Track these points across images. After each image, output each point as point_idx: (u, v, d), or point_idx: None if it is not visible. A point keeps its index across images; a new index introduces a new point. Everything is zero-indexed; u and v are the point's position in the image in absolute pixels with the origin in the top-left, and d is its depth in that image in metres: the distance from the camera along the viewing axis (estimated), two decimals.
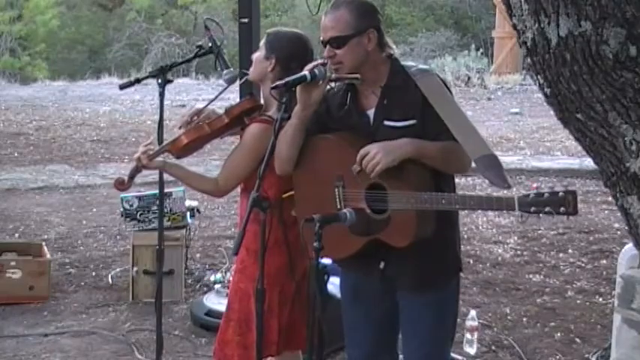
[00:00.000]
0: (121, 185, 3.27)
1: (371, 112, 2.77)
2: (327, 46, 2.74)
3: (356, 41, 2.71)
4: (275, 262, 3.10)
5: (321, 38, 2.76)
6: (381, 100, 2.74)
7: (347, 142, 2.74)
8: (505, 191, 2.56)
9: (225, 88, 3.24)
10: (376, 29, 2.74)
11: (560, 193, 2.27)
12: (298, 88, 2.72)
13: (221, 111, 3.15)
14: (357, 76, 2.73)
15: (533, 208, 2.31)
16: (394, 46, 2.77)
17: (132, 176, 3.25)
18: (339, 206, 2.75)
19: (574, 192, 2.27)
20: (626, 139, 1.94)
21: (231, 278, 5.07)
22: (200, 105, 3.27)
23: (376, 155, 2.58)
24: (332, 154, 2.78)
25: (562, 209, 2.27)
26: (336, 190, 2.76)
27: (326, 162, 2.80)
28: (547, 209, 2.29)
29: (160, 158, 3.18)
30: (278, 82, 2.76)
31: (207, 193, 3.34)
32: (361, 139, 2.71)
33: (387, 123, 2.71)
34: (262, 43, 3.15)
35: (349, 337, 3.04)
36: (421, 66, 2.78)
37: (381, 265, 2.80)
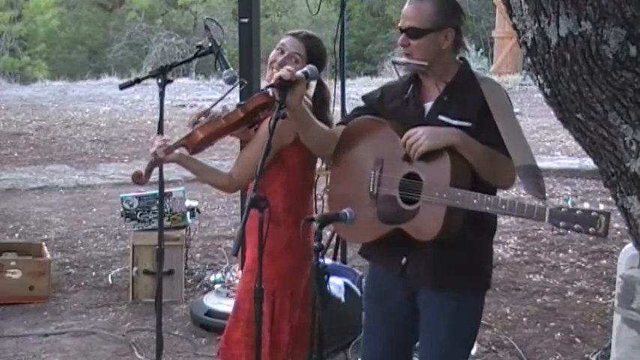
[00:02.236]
0: (138, 178, 3.29)
1: (428, 105, 2.74)
2: (403, 35, 2.71)
3: (432, 36, 2.67)
4: (288, 263, 3.10)
5: (400, 24, 2.73)
6: (441, 96, 2.72)
7: (394, 129, 2.72)
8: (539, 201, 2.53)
9: (230, 90, 3.26)
10: (455, 29, 2.69)
11: (594, 213, 2.22)
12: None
13: (232, 108, 3.17)
14: (425, 63, 2.69)
15: (562, 223, 2.28)
16: (469, 49, 2.73)
17: (149, 170, 3.29)
18: (371, 189, 2.75)
19: (608, 214, 2.21)
20: (626, 139, 1.94)
21: (231, 277, 5.06)
22: (207, 105, 3.30)
23: (421, 136, 2.56)
24: (376, 137, 2.77)
25: (592, 229, 2.23)
26: (373, 172, 2.75)
27: (369, 144, 2.79)
28: (576, 227, 2.24)
29: (175, 152, 3.21)
30: (272, 82, 2.82)
31: (219, 188, 3.35)
32: (410, 128, 2.69)
33: (441, 117, 2.67)
34: (302, 50, 3.15)
35: (365, 335, 3.02)
36: (489, 76, 2.76)
37: (403, 260, 2.77)
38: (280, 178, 3.09)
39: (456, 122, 2.65)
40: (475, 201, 2.46)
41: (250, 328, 3.14)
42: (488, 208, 2.45)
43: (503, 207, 2.41)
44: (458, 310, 2.77)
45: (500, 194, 2.61)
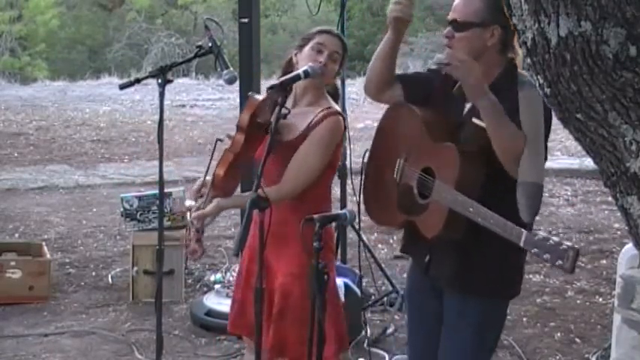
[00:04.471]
0: (194, 254, 3.22)
1: (468, 105, 2.72)
2: (449, 27, 2.68)
3: (477, 32, 2.63)
4: (329, 257, 3.16)
5: (448, 16, 2.70)
6: None
7: (427, 124, 2.72)
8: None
9: (213, 153, 3.20)
10: (503, 28, 2.61)
11: (563, 246, 2.26)
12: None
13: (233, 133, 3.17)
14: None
15: (535, 250, 2.31)
16: (520, 52, 2.61)
17: (199, 239, 3.20)
18: (395, 176, 2.77)
19: (577, 250, 2.25)
20: (626, 139, 1.94)
21: (231, 277, 5.05)
22: (200, 178, 3.31)
23: (462, 64, 2.52)
24: (409, 127, 2.77)
25: (559, 262, 2.26)
26: (399, 161, 2.77)
27: (402, 131, 2.80)
28: (545, 256, 2.28)
29: (211, 204, 3.15)
30: (274, 82, 2.90)
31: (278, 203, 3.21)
32: (444, 126, 2.70)
33: (474, 120, 2.64)
34: (340, 48, 3.20)
35: (408, 332, 3.06)
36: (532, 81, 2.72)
37: (427, 258, 2.79)
38: (327, 177, 3.21)
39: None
40: (471, 209, 2.47)
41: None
42: (479, 219, 2.45)
43: (491, 221, 2.42)
44: (479, 316, 2.75)
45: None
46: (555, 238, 2.30)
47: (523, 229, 2.35)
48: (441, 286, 2.80)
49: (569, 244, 2.27)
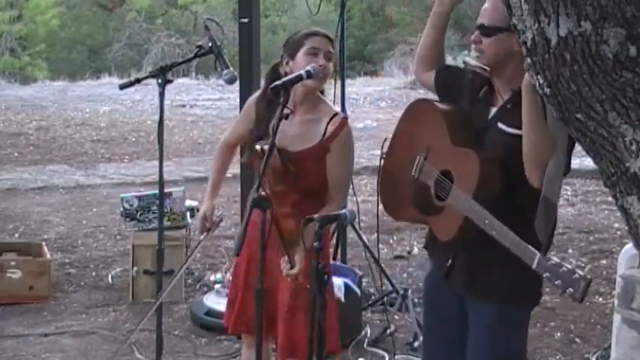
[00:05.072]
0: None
1: (494, 110, 2.72)
2: (477, 32, 2.69)
3: (504, 36, 2.61)
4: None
5: (476, 21, 2.71)
6: (505, 103, 2.68)
7: (451, 125, 2.71)
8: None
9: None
10: None
11: (575, 275, 2.28)
12: None
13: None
14: (487, 68, 2.67)
15: (547, 274, 2.31)
16: None
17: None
18: (413, 173, 2.77)
19: (589, 281, 2.29)
20: (626, 139, 1.94)
21: (231, 277, 5.07)
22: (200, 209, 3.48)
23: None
24: (432, 124, 2.76)
25: (569, 290, 2.28)
26: (418, 157, 2.77)
27: (425, 128, 2.80)
28: (557, 282, 2.29)
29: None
30: (276, 83, 2.93)
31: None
32: (467, 129, 2.70)
33: (499, 125, 2.65)
34: (331, 46, 3.25)
35: (424, 334, 3.06)
36: None
37: (448, 263, 2.77)
38: None
39: (512, 130, 2.60)
40: (487, 221, 2.46)
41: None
42: (494, 233, 2.45)
43: (507, 238, 2.42)
44: (500, 321, 2.74)
45: None
46: (568, 265, 2.30)
47: (537, 252, 2.35)
48: (463, 292, 2.79)
49: (581, 273, 2.29)
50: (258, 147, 2.99)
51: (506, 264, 2.59)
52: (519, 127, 2.55)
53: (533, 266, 2.34)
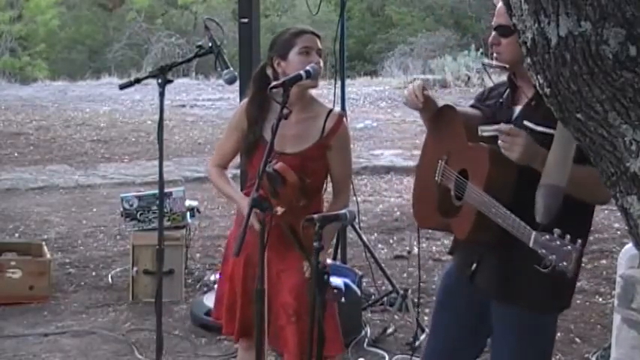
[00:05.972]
0: None
1: (518, 109, 2.71)
2: (494, 33, 2.67)
3: None
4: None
5: (492, 22, 2.69)
6: (529, 101, 2.66)
7: (468, 125, 2.70)
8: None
9: None
10: None
11: (567, 247, 2.24)
12: None
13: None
14: (506, 65, 2.66)
15: (542, 251, 2.29)
16: None
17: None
18: (436, 177, 2.77)
19: (581, 251, 2.24)
20: (626, 139, 1.94)
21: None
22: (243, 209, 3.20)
23: (515, 147, 2.46)
24: (453, 128, 2.76)
25: (562, 264, 2.24)
26: (440, 162, 2.77)
27: (447, 133, 2.79)
28: (551, 257, 2.26)
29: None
30: (276, 82, 2.93)
31: None
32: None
33: (526, 123, 2.61)
34: (319, 42, 3.26)
35: (430, 332, 3.03)
36: None
37: (473, 267, 2.75)
38: None
39: (540, 128, 2.58)
40: (493, 210, 2.46)
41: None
42: (499, 220, 2.44)
43: (506, 220, 2.42)
44: (527, 326, 2.72)
45: None
46: (561, 239, 2.27)
47: (533, 230, 2.33)
48: (488, 297, 2.76)
49: (570, 245, 2.24)
50: (269, 169, 2.94)
51: (534, 269, 2.52)
52: (547, 125, 2.53)
53: (530, 244, 2.32)
